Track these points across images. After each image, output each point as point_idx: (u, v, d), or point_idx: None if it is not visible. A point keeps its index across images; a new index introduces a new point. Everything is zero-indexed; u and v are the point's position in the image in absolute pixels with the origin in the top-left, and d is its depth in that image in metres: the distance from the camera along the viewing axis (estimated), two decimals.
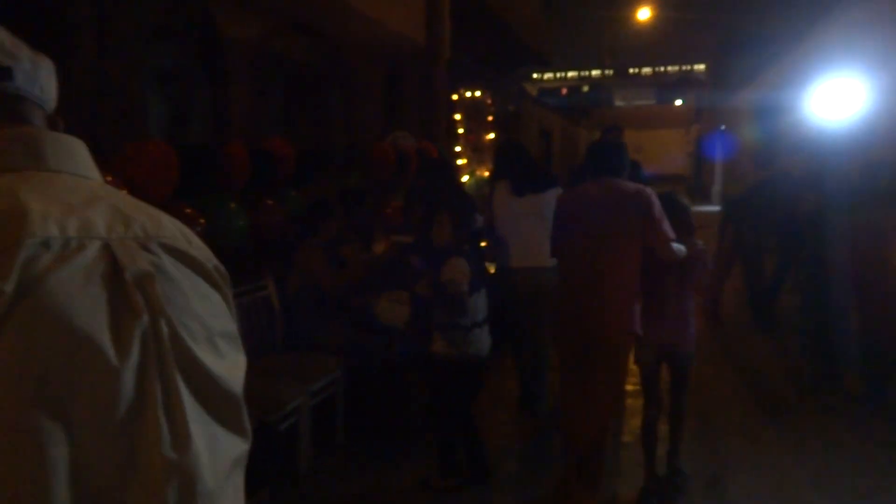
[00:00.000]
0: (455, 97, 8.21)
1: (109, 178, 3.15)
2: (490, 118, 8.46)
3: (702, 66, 38.84)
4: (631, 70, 61.13)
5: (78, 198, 0.56)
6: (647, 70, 61.55)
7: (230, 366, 0.59)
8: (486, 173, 7.69)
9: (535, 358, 4.38)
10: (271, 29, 6.22)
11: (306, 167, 4.81)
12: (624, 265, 3.00)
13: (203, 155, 3.79)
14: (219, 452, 0.55)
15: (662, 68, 61.21)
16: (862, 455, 3.76)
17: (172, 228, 0.60)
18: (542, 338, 4.25)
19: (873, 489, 3.39)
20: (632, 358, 3.26)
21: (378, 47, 7.81)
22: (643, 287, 3.06)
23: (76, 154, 0.63)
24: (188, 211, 3.48)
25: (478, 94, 8.48)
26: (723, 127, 18.28)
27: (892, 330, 4.58)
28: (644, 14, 26.37)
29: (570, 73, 61.59)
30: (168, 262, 0.56)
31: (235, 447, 0.57)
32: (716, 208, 13.02)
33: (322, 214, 4.25)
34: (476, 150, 8.03)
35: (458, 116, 8.16)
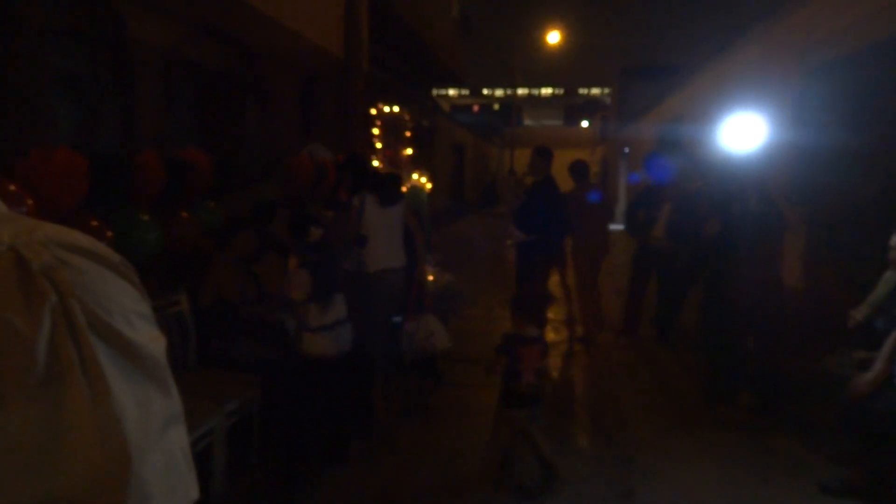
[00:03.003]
0: (373, 111, 8.21)
1: (13, 188, 2.94)
2: (408, 133, 8.51)
3: (607, 91, 40.56)
4: (540, 91, 63.08)
5: None
6: (556, 92, 63.66)
7: (148, 337, 0.63)
8: (405, 189, 7.71)
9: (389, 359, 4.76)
10: (185, 35, 6.03)
11: (223, 178, 4.68)
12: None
13: (115, 164, 3.60)
14: (151, 408, 0.60)
15: (570, 91, 63.35)
16: (762, 465, 4.00)
17: (77, 234, 0.65)
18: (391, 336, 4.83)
19: (775, 497, 3.64)
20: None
21: (295, 58, 7.72)
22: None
23: None
24: (94, 223, 3.29)
25: (395, 109, 8.52)
26: (626, 150, 19.13)
27: (783, 348, 4.93)
28: (554, 38, 27.31)
29: (483, 92, 62.81)
30: (73, 257, 0.61)
31: (166, 405, 0.63)
32: (620, 227, 13.59)
33: (234, 229, 4.16)
34: (394, 165, 8.05)
35: (375, 131, 8.15)
